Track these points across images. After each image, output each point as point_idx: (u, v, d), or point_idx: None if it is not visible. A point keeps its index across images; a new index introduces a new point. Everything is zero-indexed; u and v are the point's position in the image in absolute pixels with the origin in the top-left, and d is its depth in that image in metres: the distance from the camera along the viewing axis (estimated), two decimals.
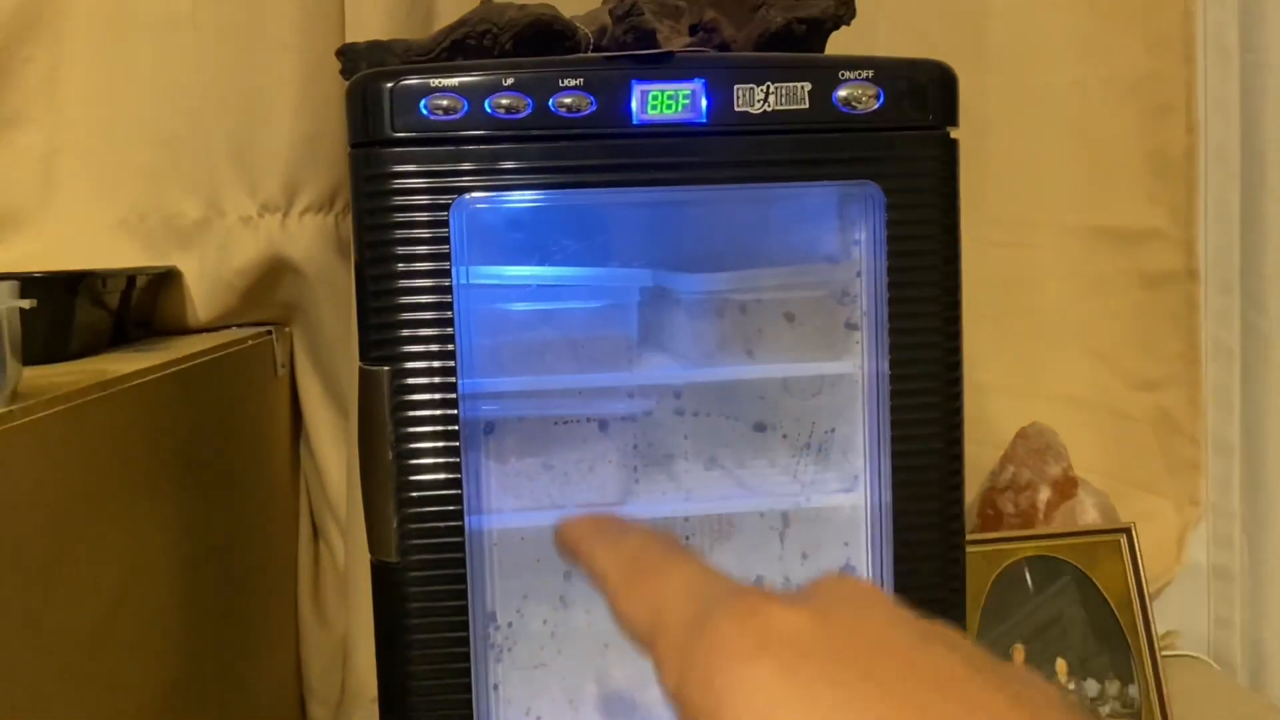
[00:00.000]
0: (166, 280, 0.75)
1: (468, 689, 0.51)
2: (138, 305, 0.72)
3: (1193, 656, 0.85)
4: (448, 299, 0.50)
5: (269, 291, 0.77)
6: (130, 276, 0.70)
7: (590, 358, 0.56)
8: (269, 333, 0.76)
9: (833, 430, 0.58)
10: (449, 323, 0.50)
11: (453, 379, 0.50)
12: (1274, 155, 0.81)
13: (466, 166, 0.49)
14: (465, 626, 0.51)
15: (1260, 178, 0.82)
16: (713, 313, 0.57)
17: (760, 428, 0.58)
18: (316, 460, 0.80)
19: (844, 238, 0.56)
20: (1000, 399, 0.84)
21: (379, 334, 0.50)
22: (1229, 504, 0.85)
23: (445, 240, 0.49)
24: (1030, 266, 0.84)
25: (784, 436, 0.58)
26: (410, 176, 0.49)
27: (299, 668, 0.81)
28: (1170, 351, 0.83)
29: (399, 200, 0.49)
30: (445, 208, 0.49)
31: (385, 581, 0.51)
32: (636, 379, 0.57)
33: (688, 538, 0.58)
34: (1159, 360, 0.84)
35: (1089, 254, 0.84)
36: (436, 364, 0.50)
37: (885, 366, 0.53)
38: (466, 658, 0.51)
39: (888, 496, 0.55)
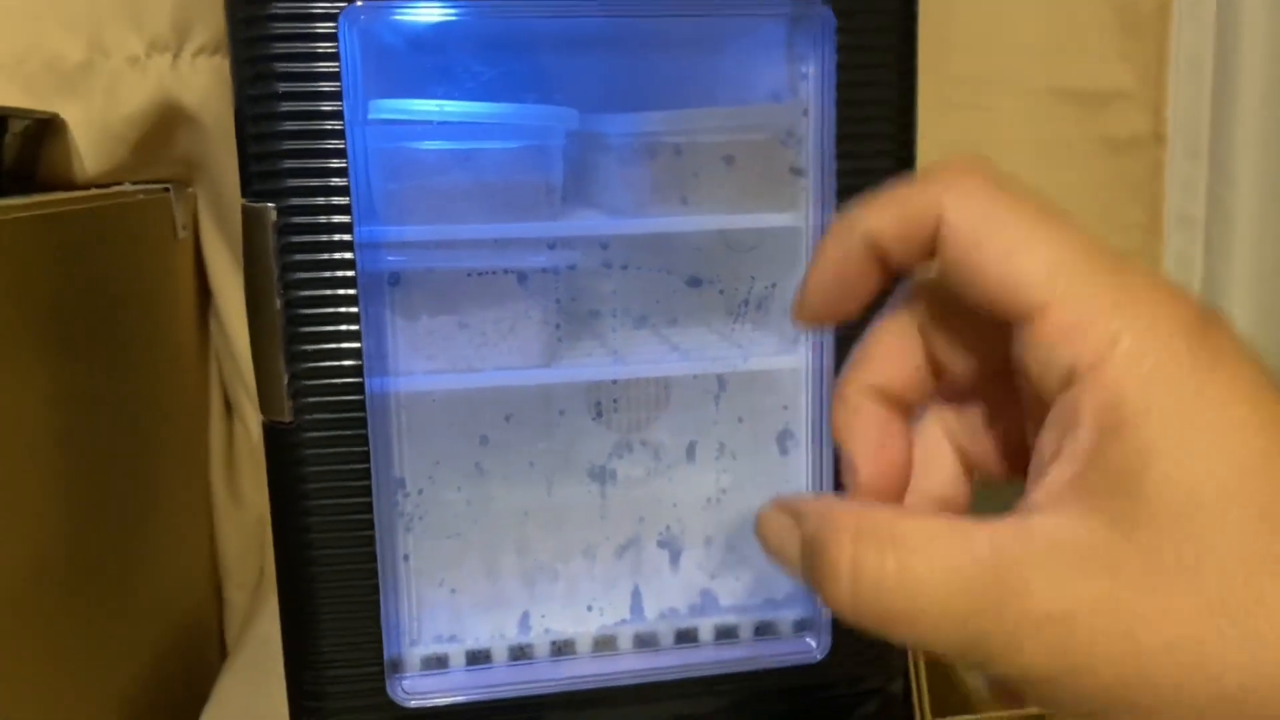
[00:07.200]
0: (49, 130, 0.67)
1: (372, 558, 0.47)
2: (17, 156, 0.65)
3: None
4: (339, 126, 0.44)
5: (164, 145, 0.69)
6: (1, 119, 0.62)
7: (507, 205, 0.51)
8: (166, 190, 0.69)
9: (774, 285, 0.54)
10: (341, 154, 0.44)
11: (348, 219, 0.45)
12: (1250, 14, 0.76)
13: None
14: (368, 492, 0.47)
15: (1235, 37, 0.77)
16: (645, 156, 0.52)
17: (695, 283, 0.54)
18: (226, 331, 0.75)
19: (791, 72, 0.51)
20: None
21: (260, 164, 0.44)
22: None
23: (334, 57, 0.43)
24: (990, 130, 0.79)
25: (721, 292, 0.53)
26: None
27: (214, 550, 0.77)
28: (1131, 221, 0.80)
29: (279, 7, 0.43)
30: (333, 17, 0.43)
31: (279, 444, 0.46)
32: (559, 229, 0.52)
33: (615, 401, 0.53)
34: (1119, 230, 0.80)
35: (1051, 118, 0.79)
36: (328, 201, 0.44)
37: (832, 217, 0.49)
38: (370, 525, 0.47)
39: (830, 359, 0.51)
